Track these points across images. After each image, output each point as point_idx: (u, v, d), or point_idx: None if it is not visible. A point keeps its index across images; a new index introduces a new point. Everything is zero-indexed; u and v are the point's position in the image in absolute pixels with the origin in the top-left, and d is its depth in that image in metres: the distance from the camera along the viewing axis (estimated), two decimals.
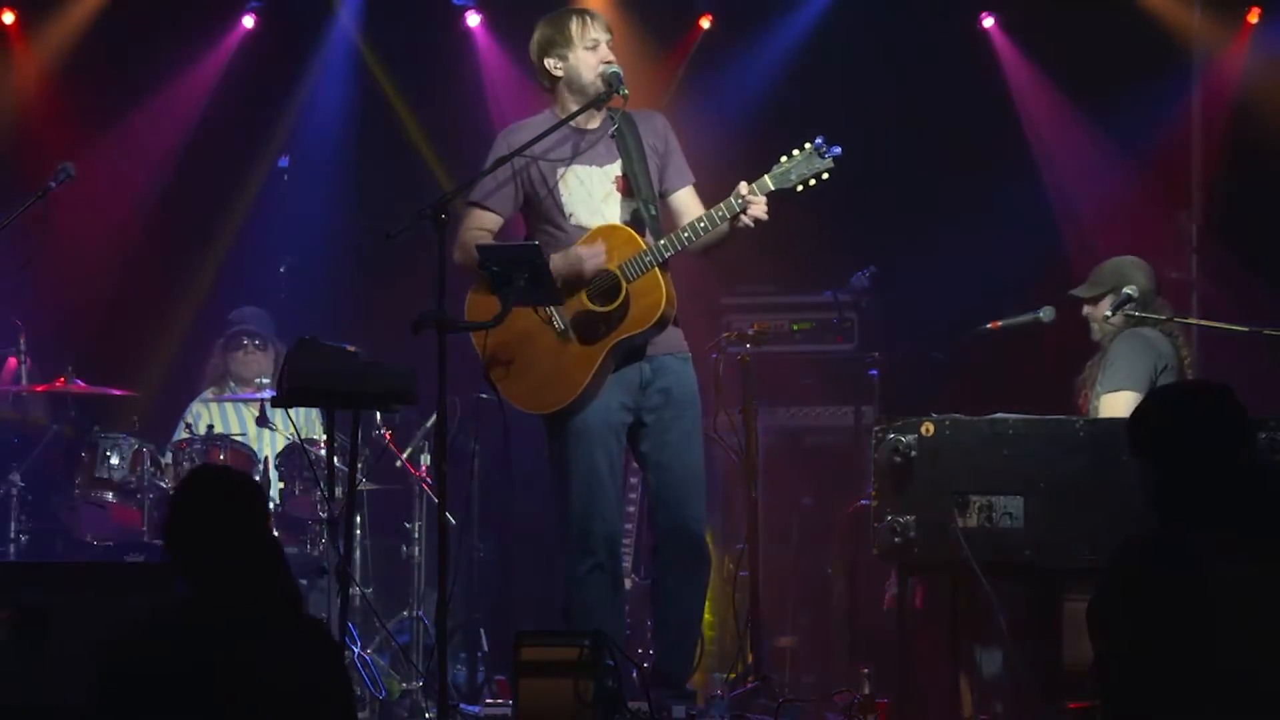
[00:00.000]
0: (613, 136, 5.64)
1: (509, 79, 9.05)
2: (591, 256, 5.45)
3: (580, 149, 5.63)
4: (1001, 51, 8.98)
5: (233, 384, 7.95)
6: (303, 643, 3.52)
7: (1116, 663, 3.50)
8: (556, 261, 5.43)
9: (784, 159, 5.40)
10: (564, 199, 5.60)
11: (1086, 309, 6.36)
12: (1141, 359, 6.06)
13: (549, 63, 5.68)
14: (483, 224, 5.62)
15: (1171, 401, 3.78)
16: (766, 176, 5.39)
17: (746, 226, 5.39)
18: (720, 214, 5.41)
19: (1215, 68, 8.81)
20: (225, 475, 3.76)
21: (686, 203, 5.65)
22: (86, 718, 3.41)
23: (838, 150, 5.38)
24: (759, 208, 5.36)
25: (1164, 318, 6.24)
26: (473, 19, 9.17)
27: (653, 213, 5.56)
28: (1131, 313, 6.10)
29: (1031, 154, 8.90)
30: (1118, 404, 5.94)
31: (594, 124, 5.68)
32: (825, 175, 5.38)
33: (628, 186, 5.60)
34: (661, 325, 5.48)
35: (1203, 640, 3.41)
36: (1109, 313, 6.13)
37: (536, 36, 5.71)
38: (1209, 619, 3.42)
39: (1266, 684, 3.41)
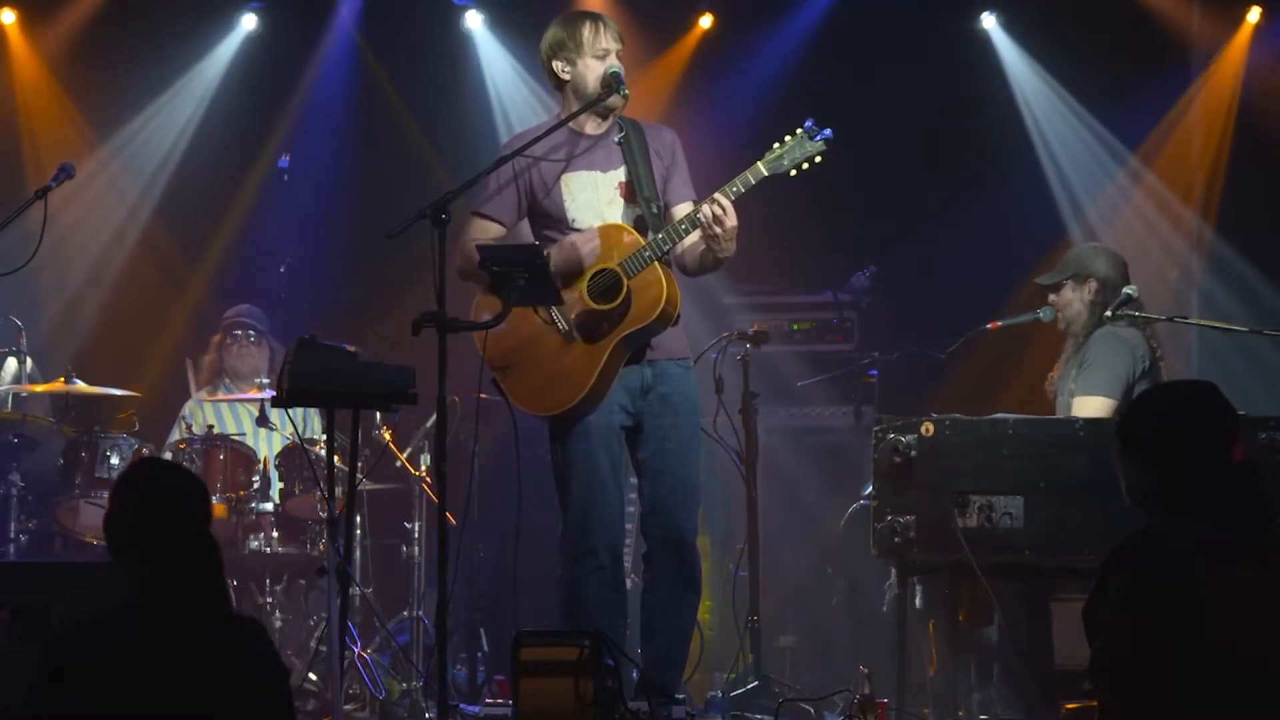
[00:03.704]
0: (618, 143, 5.63)
1: (509, 79, 9.06)
2: (586, 243, 5.44)
3: (584, 154, 5.62)
4: (1002, 51, 8.98)
5: (228, 380, 7.94)
6: (240, 640, 3.49)
7: (1113, 662, 3.50)
8: (554, 257, 5.43)
9: (776, 145, 5.40)
10: (567, 204, 5.59)
11: (1051, 297, 6.36)
12: (1119, 364, 6.05)
13: (557, 65, 5.66)
14: (486, 233, 5.61)
15: (1161, 401, 3.78)
16: (760, 163, 5.39)
17: (713, 234, 5.35)
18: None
19: (1215, 67, 8.82)
20: (162, 473, 3.68)
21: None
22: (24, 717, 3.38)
23: (828, 133, 5.38)
24: (710, 210, 5.32)
25: (1162, 318, 6.24)
26: (473, 19, 9.17)
27: (655, 211, 5.55)
28: (1130, 312, 6.09)
29: (1032, 153, 8.91)
30: (1089, 408, 5.93)
31: (599, 130, 5.66)
32: (818, 159, 5.38)
33: (631, 191, 5.59)
34: (664, 320, 5.47)
35: (1197, 639, 3.41)
36: (1109, 313, 6.11)
37: (548, 36, 5.69)
38: (1204, 618, 3.42)
39: (1261, 682, 3.41)
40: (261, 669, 3.48)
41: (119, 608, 3.48)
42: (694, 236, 5.46)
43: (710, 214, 5.32)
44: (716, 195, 5.34)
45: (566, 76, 5.64)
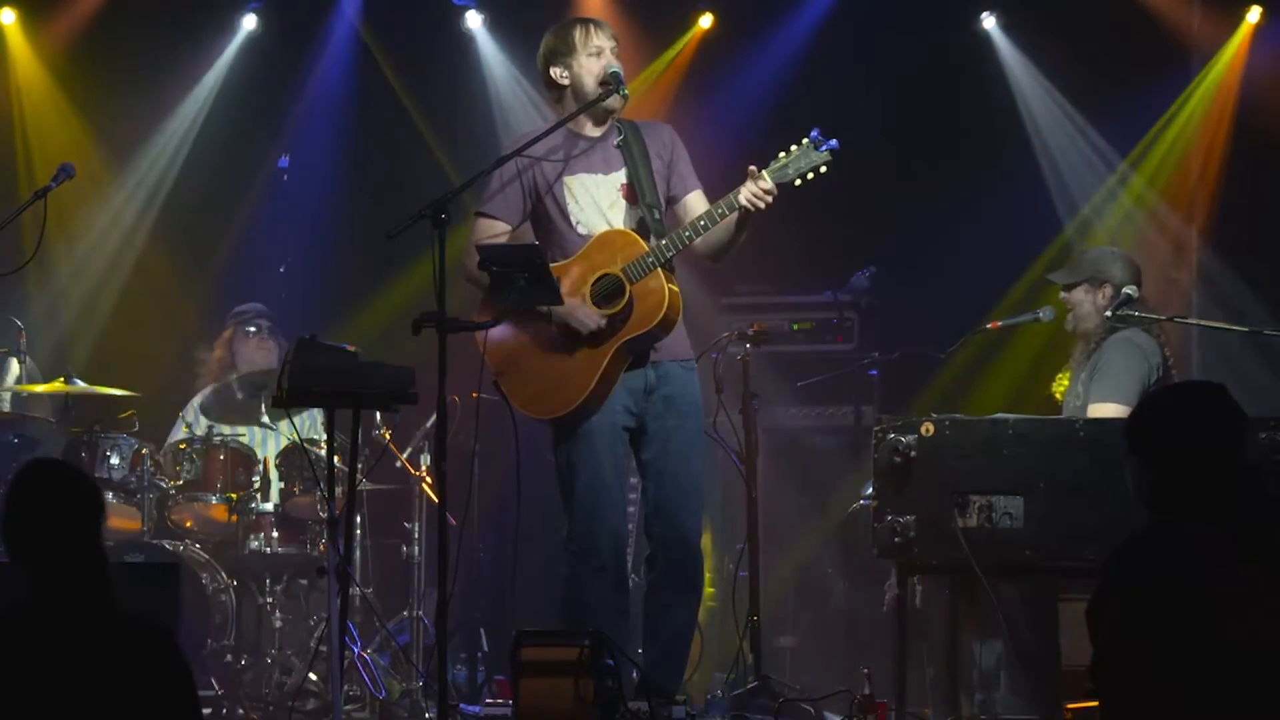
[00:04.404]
0: (618, 146, 5.63)
1: (510, 79, 9.06)
2: (587, 318, 5.44)
3: (585, 157, 5.61)
4: (1002, 52, 8.98)
5: (237, 375, 7.93)
6: (135, 641, 3.44)
7: (1114, 661, 3.50)
8: (558, 312, 5.44)
9: (781, 154, 5.38)
10: (570, 207, 5.59)
11: (1063, 295, 6.35)
12: (1134, 370, 6.03)
13: (554, 72, 5.66)
14: (490, 232, 5.61)
15: (1170, 401, 3.78)
16: (764, 172, 5.37)
17: (744, 209, 5.36)
18: (720, 210, 5.40)
19: (1215, 67, 8.82)
20: (48, 477, 3.57)
21: (694, 206, 5.63)
22: None
23: (834, 143, 5.35)
24: (756, 186, 5.31)
25: (1162, 318, 6.23)
26: (473, 19, 9.17)
27: (657, 217, 5.55)
28: (1131, 313, 6.09)
29: (1032, 154, 8.90)
30: (1104, 415, 5.93)
31: (599, 132, 5.66)
32: (823, 168, 5.35)
33: (633, 194, 5.59)
34: (666, 325, 5.47)
35: (1199, 639, 3.41)
36: (1109, 314, 6.11)
37: (542, 47, 5.70)
38: (1205, 618, 3.42)
39: (1262, 685, 3.41)
40: (158, 669, 3.43)
41: (10, 615, 3.43)
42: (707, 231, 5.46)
43: (755, 194, 5.31)
44: (745, 193, 5.32)
45: (565, 81, 5.64)
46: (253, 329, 7.95)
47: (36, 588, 3.44)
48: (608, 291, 5.45)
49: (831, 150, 5.34)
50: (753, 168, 5.36)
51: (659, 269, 5.43)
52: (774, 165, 5.37)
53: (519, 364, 5.53)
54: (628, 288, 5.43)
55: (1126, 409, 5.89)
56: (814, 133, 5.38)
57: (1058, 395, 6.37)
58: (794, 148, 5.38)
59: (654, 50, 9.01)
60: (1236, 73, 8.78)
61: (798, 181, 5.36)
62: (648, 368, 5.55)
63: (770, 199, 5.34)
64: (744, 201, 5.33)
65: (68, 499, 3.50)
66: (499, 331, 5.41)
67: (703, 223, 5.42)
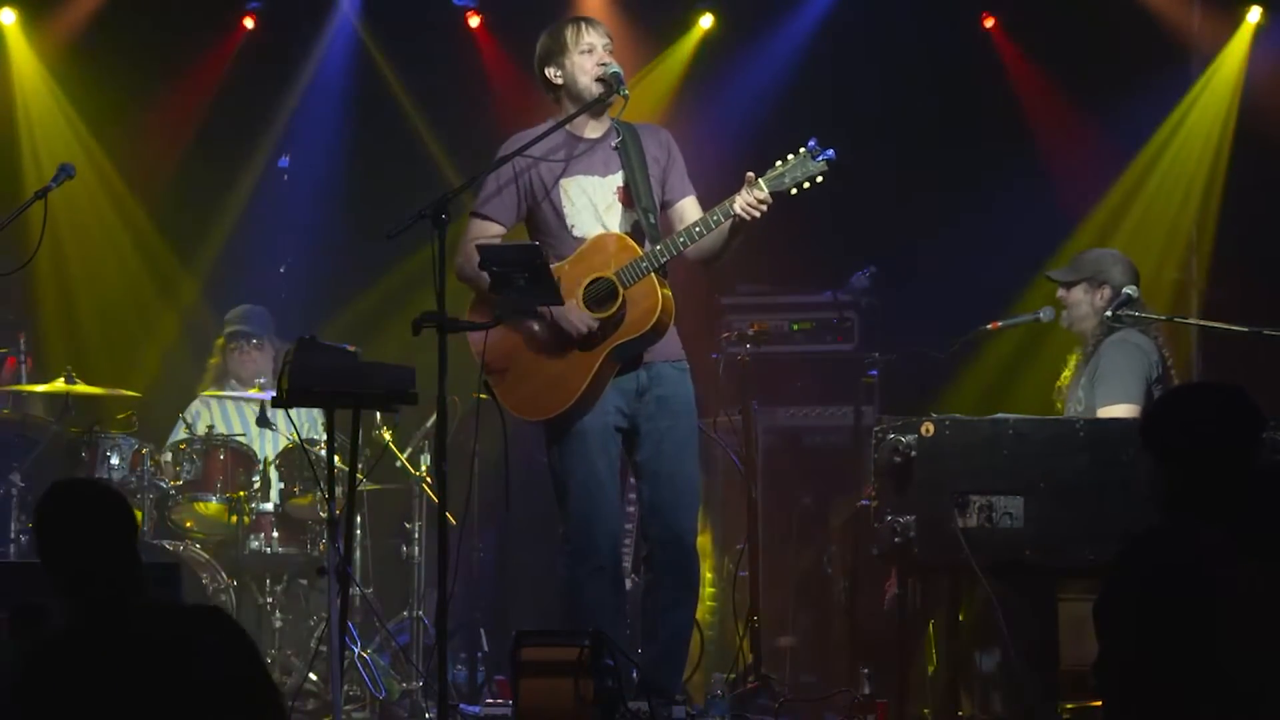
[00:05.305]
0: (615, 148, 5.63)
1: (511, 79, 9.05)
2: (579, 321, 5.44)
3: (582, 159, 5.62)
4: (1002, 52, 8.98)
5: (234, 381, 7.95)
6: (189, 637, 3.38)
7: (1118, 660, 3.50)
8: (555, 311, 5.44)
9: (778, 163, 5.38)
10: (565, 209, 5.59)
11: (1060, 293, 6.35)
12: (1136, 368, 6.03)
13: (549, 72, 5.68)
14: (486, 233, 5.61)
15: (1180, 402, 3.78)
16: (761, 180, 5.37)
17: (739, 218, 5.36)
18: (715, 218, 5.40)
19: (1216, 67, 8.82)
20: (75, 499, 3.56)
21: (688, 212, 5.64)
22: None
23: (831, 153, 5.35)
24: (751, 195, 5.31)
25: (1162, 318, 6.23)
26: (474, 20, 9.17)
27: (652, 221, 5.55)
28: (1131, 313, 6.09)
29: (1032, 154, 8.89)
30: (1114, 416, 5.92)
31: (596, 134, 5.66)
32: (819, 178, 5.36)
33: (629, 197, 5.59)
34: (659, 330, 5.47)
35: (1206, 641, 3.41)
36: (1110, 313, 6.11)
37: (537, 50, 5.73)
38: (1214, 620, 3.42)
39: (1262, 685, 3.41)
40: (217, 660, 3.36)
41: (66, 638, 3.37)
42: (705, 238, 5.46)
43: (749, 204, 5.32)
44: (740, 201, 5.33)
45: (560, 80, 5.65)
46: (238, 339, 7.94)
47: (94, 608, 3.41)
48: (600, 295, 5.45)
49: (829, 160, 5.34)
50: (750, 175, 5.35)
51: (652, 274, 5.44)
52: (770, 174, 5.37)
53: (511, 367, 5.53)
54: (620, 292, 5.43)
55: (1135, 407, 5.91)
56: (811, 142, 5.38)
57: (1057, 402, 6.36)
58: (791, 156, 5.37)
59: (654, 50, 9.01)
60: (1237, 73, 8.78)
61: (794, 190, 5.36)
62: (640, 369, 5.55)
63: (765, 208, 5.34)
64: (739, 210, 5.34)
65: (107, 518, 3.50)
66: (492, 334, 5.41)
67: (697, 229, 5.42)
